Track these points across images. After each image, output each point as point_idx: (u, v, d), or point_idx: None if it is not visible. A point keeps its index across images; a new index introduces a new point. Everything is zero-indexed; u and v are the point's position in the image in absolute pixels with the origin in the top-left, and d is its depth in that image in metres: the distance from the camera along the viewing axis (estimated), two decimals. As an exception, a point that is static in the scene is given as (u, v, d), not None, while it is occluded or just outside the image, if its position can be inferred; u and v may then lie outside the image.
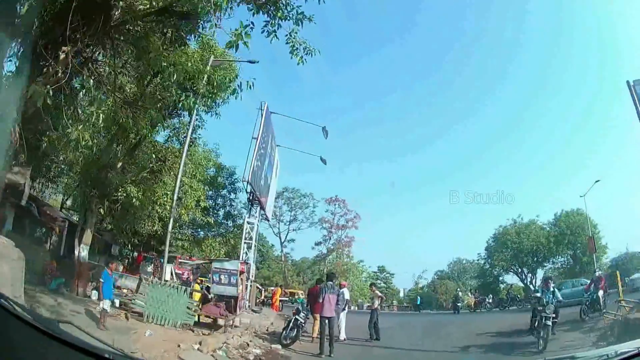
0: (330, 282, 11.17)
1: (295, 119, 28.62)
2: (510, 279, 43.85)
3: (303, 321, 11.54)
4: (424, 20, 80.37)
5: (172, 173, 18.11)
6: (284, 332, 11.40)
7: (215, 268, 18.33)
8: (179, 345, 9.29)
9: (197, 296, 14.83)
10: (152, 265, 22.41)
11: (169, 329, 11.30)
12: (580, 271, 33.78)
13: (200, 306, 13.43)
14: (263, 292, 24.51)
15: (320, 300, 10.60)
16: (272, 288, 27.24)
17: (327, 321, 10.45)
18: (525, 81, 76.31)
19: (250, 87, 8.68)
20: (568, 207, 39.31)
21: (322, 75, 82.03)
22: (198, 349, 9.43)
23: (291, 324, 11.32)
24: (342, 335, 12.66)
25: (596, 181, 27.32)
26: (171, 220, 13.70)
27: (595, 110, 66.08)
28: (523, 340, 11.96)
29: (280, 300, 24.64)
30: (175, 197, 13.89)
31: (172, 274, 18.77)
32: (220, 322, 12.84)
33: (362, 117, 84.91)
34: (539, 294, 11.77)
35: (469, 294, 35.33)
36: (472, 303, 29.25)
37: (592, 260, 32.13)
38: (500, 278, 44.18)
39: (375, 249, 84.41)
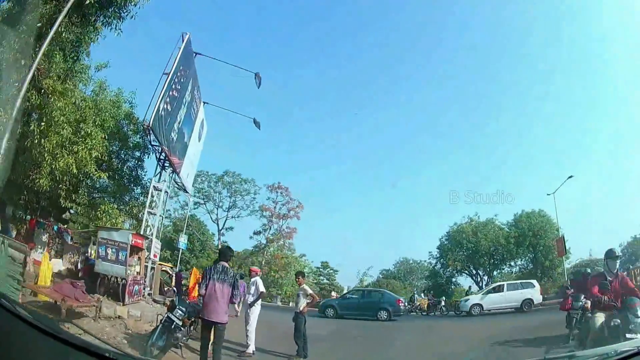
0: (223, 264, 6.32)
1: (225, 62, 22.61)
2: (464, 281, 41.51)
3: (180, 322, 6.94)
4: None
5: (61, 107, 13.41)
6: (151, 338, 6.81)
7: (102, 239, 14.22)
8: None
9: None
10: (47, 233, 17.38)
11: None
12: (542, 275, 31.56)
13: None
14: (174, 277, 19.46)
15: (203, 292, 6.07)
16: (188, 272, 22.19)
17: (213, 328, 5.99)
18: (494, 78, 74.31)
19: None
20: (528, 208, 37.20)
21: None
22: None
23: (160, 327, 6.77)
24: (251, 348, 8.29)
25: (569, 177, 24.74)
26: (3, 142, 8.67)
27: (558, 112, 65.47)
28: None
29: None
30: (15, 111, 9.07)
31: None
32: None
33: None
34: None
35: (422, 294, 32.00)
36: (426, 305, 25.84)
37: (554, 265, 30.02)
38: (453, 280, 41.78)
39: (319, 243, 79.66)
